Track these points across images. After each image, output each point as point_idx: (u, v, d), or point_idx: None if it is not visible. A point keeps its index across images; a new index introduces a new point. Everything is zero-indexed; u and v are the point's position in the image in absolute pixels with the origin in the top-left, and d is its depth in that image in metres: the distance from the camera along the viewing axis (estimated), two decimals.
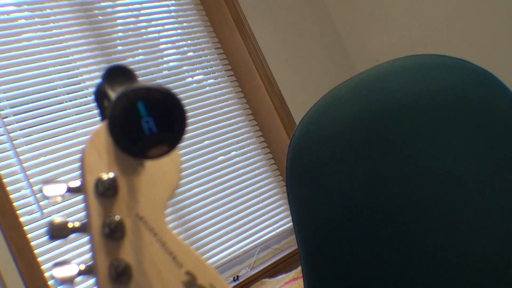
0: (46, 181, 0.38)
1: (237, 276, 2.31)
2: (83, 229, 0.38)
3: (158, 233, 0.38)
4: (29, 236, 1.83)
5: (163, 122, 0.36)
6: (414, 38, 2.93)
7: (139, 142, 0.36)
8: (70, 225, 0.38)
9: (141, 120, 0.35)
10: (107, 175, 0.38)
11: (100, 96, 0.41)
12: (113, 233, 0.37)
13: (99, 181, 0.38)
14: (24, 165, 1.93)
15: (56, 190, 0.38)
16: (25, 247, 1.79)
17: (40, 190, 0.38)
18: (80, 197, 0.39)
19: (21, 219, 1.83)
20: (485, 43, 2.73)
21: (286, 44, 2.89)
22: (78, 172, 0.39)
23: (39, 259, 1.82)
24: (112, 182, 0.38)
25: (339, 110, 0.66)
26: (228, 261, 2.33)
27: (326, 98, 0.68)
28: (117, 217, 0.38)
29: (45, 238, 1.88)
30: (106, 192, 0.38)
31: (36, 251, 1.83)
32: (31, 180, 1.92)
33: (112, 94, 0.38)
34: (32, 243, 1.83)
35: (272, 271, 2.29)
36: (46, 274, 1.79)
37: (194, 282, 0.38)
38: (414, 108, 0.62)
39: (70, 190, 0.39)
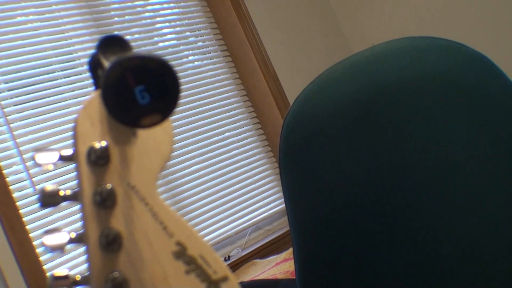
0: (38, 149, 0.38)
1: (228, 256, 2.32)
2: (74, 197, 0.38)
3: (149, 203, 0.38)
4: (21, 212, 1.83)
5: (156, 91, 0.36)
6: (410, 21, 2.92)
7: (132, 111, 0.36)
8: (61, 193, 0.38)
9: (135, 89, 0.35)
10: (99, 144, 0.38)
11: (94, 65, 0.41)
12: (104, 202, 0.37)
13: (92, 150, 0.38)
14: (18, 140, 1.92)
15: (48, 158, 0.38)
16: (17, 223, 1.79)
17: (32, 158, 0.38)
18: (73, 168, 0.39)
19: (14, 195, 1.82)
20: (481, 28, 2.72)
21: (282, 26, 2.88)
22: (71, 142, 0.39)
23: (31, 234, 1.82)
24: (105, 151, 0.38)
25: (333, 90, 0.65)
26: (220, 241, 2.34)
27: (320, 78, 0.68)
28: (109, 186, 0.38)
29: (37, 214, 1.88)
30: (98, 160, 0.38)
31: (28, 227, 1.83)
32: (24, 156, 1.91)
33: (106, 63, 0.38)
34: (24, 219, 1.83)
35: (264, 252, 2.30)
36: (38, 250, 1.80)
37: (184, 253, 0.38)
38: (409, 90, 0.62)
39: (62, 158, 0.38)
